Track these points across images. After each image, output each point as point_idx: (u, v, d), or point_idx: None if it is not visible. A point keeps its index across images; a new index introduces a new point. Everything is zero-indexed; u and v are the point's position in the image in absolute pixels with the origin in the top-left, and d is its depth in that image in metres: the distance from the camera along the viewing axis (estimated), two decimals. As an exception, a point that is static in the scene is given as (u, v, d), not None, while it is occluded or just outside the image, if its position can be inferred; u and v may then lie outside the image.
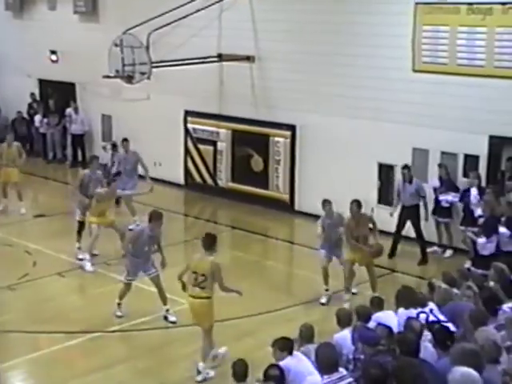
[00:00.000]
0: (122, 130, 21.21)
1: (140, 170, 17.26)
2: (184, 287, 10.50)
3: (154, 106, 20.04)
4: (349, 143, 16.72)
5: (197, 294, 10.14)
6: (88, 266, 14.32)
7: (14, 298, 13.14)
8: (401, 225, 15.18)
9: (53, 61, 22.98)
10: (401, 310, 8.97)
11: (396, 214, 15.20)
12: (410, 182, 14.98)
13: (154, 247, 12.33)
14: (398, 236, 15.23)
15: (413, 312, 8.73)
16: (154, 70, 16.97)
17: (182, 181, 20.23)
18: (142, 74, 16.98)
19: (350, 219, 12.82)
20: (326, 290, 13.12)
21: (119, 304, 12.22)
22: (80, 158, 22.63)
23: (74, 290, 13.76)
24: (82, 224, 14.97)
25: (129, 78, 17.17)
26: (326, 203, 13.02)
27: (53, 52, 22.87)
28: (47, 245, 15.35)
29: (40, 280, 13.80)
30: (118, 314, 12.19)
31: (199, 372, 10.26)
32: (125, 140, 17.29)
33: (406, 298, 9.04)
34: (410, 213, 15.04)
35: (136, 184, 17.04)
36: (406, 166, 15.07)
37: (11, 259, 15.12)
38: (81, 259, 14.60)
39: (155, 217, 12.10)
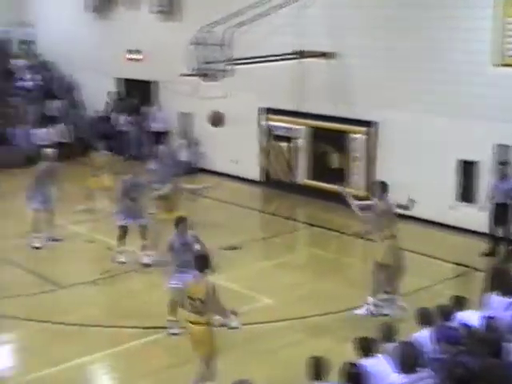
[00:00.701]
0: (201, 128, 21.48)
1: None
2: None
3: (232, 103, 20.09)
4: (428, 139, 16.48)
5: (195, 320, 9.40)
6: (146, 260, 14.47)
7: (97, 292, 13.46)
8: (497, 223, 14.67)
9: (134, 60, 23.32)
10: (495, 297, 8.73)
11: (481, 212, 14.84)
12: (505, 178, 14.58)
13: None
14: (496, 236, 14.70)
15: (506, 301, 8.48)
16: (233, 67, 17.04)
17: (258, 178, 20.27)
18: (221, 71, 17.04)
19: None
20: None
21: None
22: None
23: (154, 285, 13.87)
24: (125, 229, 14.81)
25: (207, 76, 17.27)
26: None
27: (133, 51, 23.22)
28: (127, 242, 15.58)
29: (121, 276, 14.05)
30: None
31: None
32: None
33: (503, 282, 8.75)
34: (504, 210, 14.59)
35: None
36: (503, 162, 14.68)
37: (94, 255, 15.47)
38: (122, 262, 14.58)
39: (180, 222, 11.56)
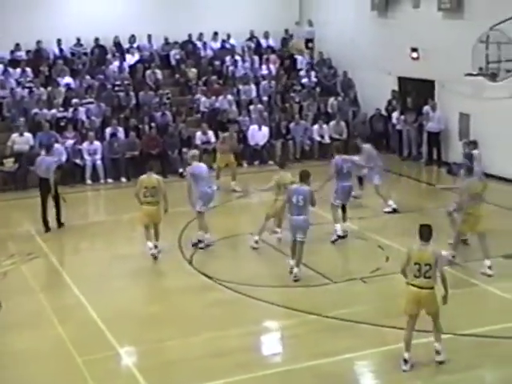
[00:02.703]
0: (479, 130, 20.71)
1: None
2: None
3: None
4: None
5: (424, 285, 10.23)
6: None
7: (366, 290, 13.39)
8: None
9: (413, 58, 23.03)
10: None
11: None
12: None
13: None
14: None
15: None
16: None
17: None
18: (507, 71, 16.28)
19: None
20: None
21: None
22: (435, 156, 22.43)
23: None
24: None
25: (492, 76, 16.57)
26: None
27: (414, 50, 22.91)
28: (400, 241, 15.37)
29: (392, 275, 13.83)
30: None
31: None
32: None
33: None
34: None
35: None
36: None
37: (365, 253, 15.44)
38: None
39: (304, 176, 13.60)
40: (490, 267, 13.54)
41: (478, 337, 11.36)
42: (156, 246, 15.00)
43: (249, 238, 15.77)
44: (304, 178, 13.72)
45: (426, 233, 10.42)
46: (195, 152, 16.87)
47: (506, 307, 12.41)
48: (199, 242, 15.57)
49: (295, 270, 13.69)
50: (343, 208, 16.27)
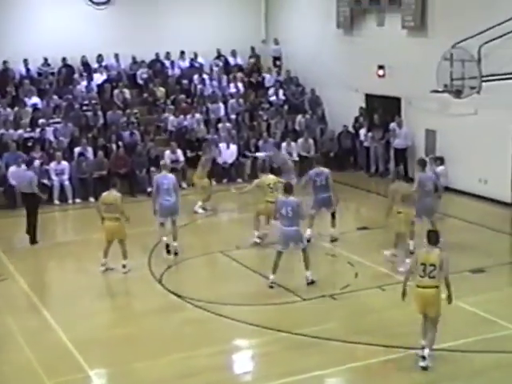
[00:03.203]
0: (445, 146, 20.96)
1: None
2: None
3: (482, 120, 19.40)
4: None
5: (428, 284, 10.69)
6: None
7: (336, 307, 13.41)
8: None
9: (380, 76, 23.27)
10: None
11: None
12: None
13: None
14: None
15: None
16: (484, 83, 16.41)
17: (508, 199, 19.32)
18: (472, 88, 16.46)
19: None
20: None
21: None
22: (402, 172, 22.59)
23: (394, 304, 13.62)
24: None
25: (457, 93, 16.76)
26: None
27: (380, 67, 23.16)
28: (369, 257, 15.50)
29: (361, 292, 13.94)
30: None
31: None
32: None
33: None
34: None
35: None
36: None
37: (334, 269, 15.52)
38: None
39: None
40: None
41: (449, 351, 11.43)
42: (124, 266, 15.00)
43: (218, 256, 15.85)
44: (289, 190, 14.16)
45: (433, 237, 11.00)
46: (164, 162, 17.18)
47: (474, 321, 12.53)
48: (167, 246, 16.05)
49: (307, 273, 14.11)
50: (332, 215, 16.74)
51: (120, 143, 22.46)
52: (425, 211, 15.68)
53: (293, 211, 13.89)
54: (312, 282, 14.14)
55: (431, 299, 10.78)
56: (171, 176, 16.38)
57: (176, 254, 16.03)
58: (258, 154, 22.54)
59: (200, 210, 19.60)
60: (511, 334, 11.95)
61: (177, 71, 26.60)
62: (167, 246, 16.08)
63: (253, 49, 27.77)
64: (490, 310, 12.58)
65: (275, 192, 16.04)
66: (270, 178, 16.50)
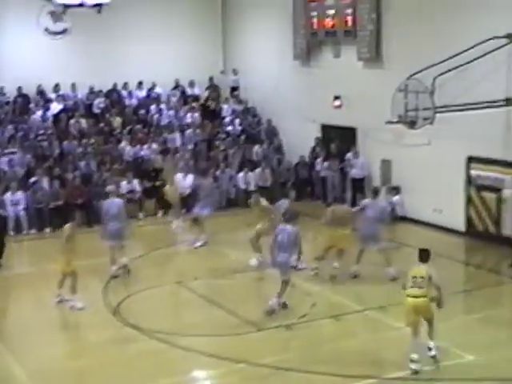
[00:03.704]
0: (400, 175, 21.22)
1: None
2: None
3: (435, 151, 19.69)
4: None
5: (417, 294, 11.65)
6: None
7: (293, 337, 13.40)
8: None
9: (336, 106, 23.52)
10: None
11: None
12: None
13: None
14: None
15: None
16: (437, 115, 16.69)
17: (462, 228, 19.60)
18: (425, 119, 16.74)
19: None
20: None
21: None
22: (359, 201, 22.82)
23: (350, 333, 13.72)
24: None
25: (411, 124, 17.02)
26: None
27: (336, 98, 23.41)
28: (327, 287, 15.57)
29: (317, 322, 13.96)
30: None
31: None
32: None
33: None
34: None
35: None
36: None
37: (292, 299, 15.49)
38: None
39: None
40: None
41: (405, 380, 11.49)
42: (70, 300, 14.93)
43: (175, 287, 15.82)
44: (289, 219, 14.51)
45: (424, 255, 12.09)
46: (111, 188, 17.63)
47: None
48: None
49: (271, 302, 14.21)
50: None
51: (76, 173, 22.30)
52: (369, 238, 15.91)
53: (288, 239, 14.18)
54: (269, 313, 14.09)
55: (422, 306, 11.72)
56: (118, 201, 16.84)
57: (128, 271, 16.51)
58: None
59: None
60: (466, 362, 12.04)
61: (134, 101, 26.58)
62: (123, 267, 16.36)
63: (211, 79, 27.88)
64: (445, 339, 12.66)
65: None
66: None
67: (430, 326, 11.96)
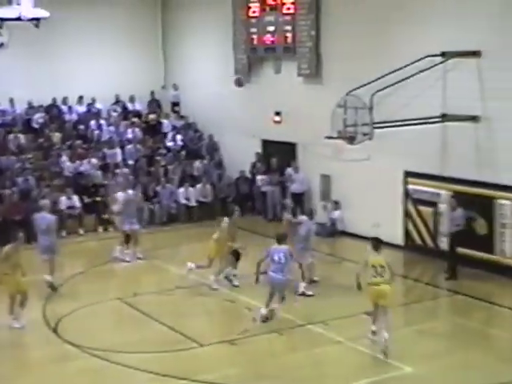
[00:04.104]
0: (340, 190, 21.46)
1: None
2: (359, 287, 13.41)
3: (374, 166, 19.96)
4: None
5: (381, 282, 13.00)
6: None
7: (235, 352, 13.40)
8: None
9: (276, 122, 23.70)
10: None
11: None
12: None
13: None
14: None
15: None
16: (376, 130, 16.95)
17: (401, 242, 19.90)
18: (364, 134, 16.97)
19: None
20: None
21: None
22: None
23: (292, 348, 13.79)
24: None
25: (351, 139, 17.24)
26: None
27: (277, 113, 23.59)
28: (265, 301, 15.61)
29: (260, 336, 13.99)
30: None
31: None
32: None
33: None
34: None
35: None
36: None
37: (232, 314, 15.55)
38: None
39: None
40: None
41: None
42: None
43: (116, 304, 15.71)
44: (281, 239, 14.75)
45: (378, 244, 13.58)
46: (44, 202, 17.69)
47: (369, 363, 12.78)
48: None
49: (262, 310, 14.56)
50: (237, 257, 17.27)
51: (14, 189, 21.97)
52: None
53: (285, 257, 14.43)
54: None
55: (384, 293, 13.02)
56: (50, 217, 16.94)
57: (54, 288, 16.47)
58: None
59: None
60: (404, 374, 12.20)
61: (74, 116, 26.34)
62: (49, 283, 16.40)
63: (152, 94, 27.81)
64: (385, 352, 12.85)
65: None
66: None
67: (386, 315, 13.05)
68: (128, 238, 19.20)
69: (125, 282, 17.92)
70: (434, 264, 18.52)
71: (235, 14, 24.62)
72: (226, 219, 17.34)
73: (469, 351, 13.18)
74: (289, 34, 22.74)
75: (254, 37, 23.92)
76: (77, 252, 19.06)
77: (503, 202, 17.37)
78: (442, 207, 18.68)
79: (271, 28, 23.29)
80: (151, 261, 19.11)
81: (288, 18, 22.73)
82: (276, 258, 14.46)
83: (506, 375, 12.00)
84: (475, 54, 17.52)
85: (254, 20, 23.89)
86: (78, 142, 24.73)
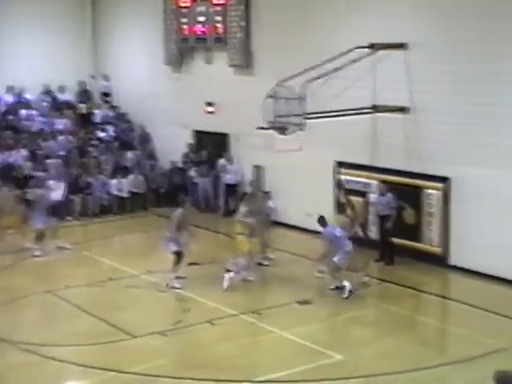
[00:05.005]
0: (273, 181, 21.58)
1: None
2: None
3: (306, 156, 20.12)
4: (505, 195, 16.17)
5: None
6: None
7: (167, 343, 13.39)
8: None
9: (208, 112, 23.70)
10: None
11: None
12: None
13: None
14: None
15: None
16: (308, 121, 17.08)
17: (332, 232, 20.10)
18: (296, 125, 17.09)
19: None
20: None
21: None
22: (232, 207, 23.00)
23: (225, 338, 13.84)
24: (179, 254, 16.32)
25: (282, 130, 17.33)
26: None
27: (209, 104, 23.58)
28: (200, 293, 15.64)
29: (192, 327, 14.03)
30: None
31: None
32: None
33: None
34: None
35: None
36: None
37: (165, 305, 15.53)
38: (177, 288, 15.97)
39: None
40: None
41: (276, 382, 11.69)
42: None
43: (46, 296, 15.53)
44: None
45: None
46: None
47: (300, 351, 12.91)
48: None
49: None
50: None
51: None
52: None
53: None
54: None
55: None
56: None
57: None
58: None
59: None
60: (335, 362, 12.38)
61: (2, 106, 25.85)
62: None
63: (82, 84, 27.44)
64: (316, 340, 13.03)
65: None
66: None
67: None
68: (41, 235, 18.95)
69: (55, 275, 17.72)
70: (363, 253, 18.73)
71: (166, 4, 24.52)
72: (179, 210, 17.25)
73: (397, 338, 13.45)
74: (219, 25, 22.76)
75: (185, 27, 23.85)
76: (5, 245, 18.74)
77: (430, 191, 17.76)
78: (372, 197, 18.96)
79: (202, 18, 23.27)
80: (83, 253, 18.94)
81: (219, 8, 22.73)
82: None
83: (431, 360, 12.28)
84: (402, 46, 17.83)
85: (185, 10, 23.82)
86: (7, 132, 24.29)
